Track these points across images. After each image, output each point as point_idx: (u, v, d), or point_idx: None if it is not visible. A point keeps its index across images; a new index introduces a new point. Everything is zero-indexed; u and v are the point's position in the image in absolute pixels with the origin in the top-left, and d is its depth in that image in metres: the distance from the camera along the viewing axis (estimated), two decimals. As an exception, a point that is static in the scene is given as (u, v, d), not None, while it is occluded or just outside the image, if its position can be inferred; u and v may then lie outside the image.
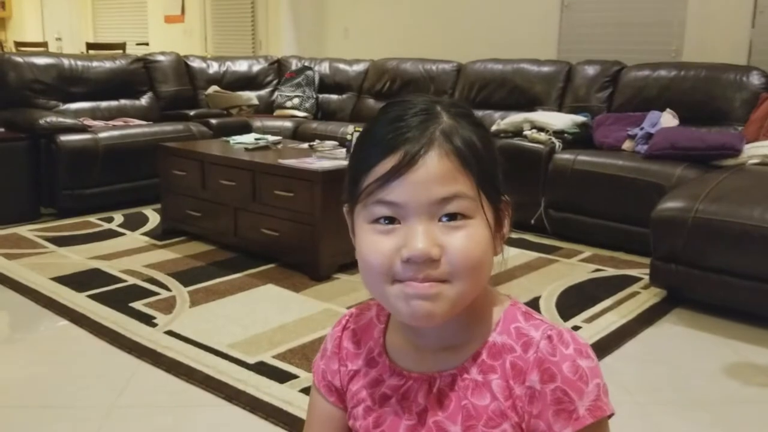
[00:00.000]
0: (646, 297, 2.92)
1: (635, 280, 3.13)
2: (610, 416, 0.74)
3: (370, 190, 0.71)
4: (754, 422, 2.00)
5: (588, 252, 3.56)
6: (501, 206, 0.76)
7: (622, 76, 4.27)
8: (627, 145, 3.83)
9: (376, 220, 0.72)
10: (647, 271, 2.91)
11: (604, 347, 2.43)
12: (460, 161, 0.70)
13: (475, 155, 0.72)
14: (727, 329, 2.62)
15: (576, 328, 2.59)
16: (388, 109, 0.75)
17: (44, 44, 8.72)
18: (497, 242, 0.76)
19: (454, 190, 0.70)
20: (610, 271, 3.26)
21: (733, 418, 2.02)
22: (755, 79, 3.82)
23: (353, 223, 0.76)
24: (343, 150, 3.42)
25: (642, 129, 3.81)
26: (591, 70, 4.38)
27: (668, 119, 3.84)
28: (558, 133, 3.90)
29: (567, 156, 3.73)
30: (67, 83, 4.78)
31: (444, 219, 0.70)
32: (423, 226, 0.69)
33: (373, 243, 0.71)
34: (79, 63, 4.90)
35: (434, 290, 0.70)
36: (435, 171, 0.69)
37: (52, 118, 4.21)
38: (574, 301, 2.88)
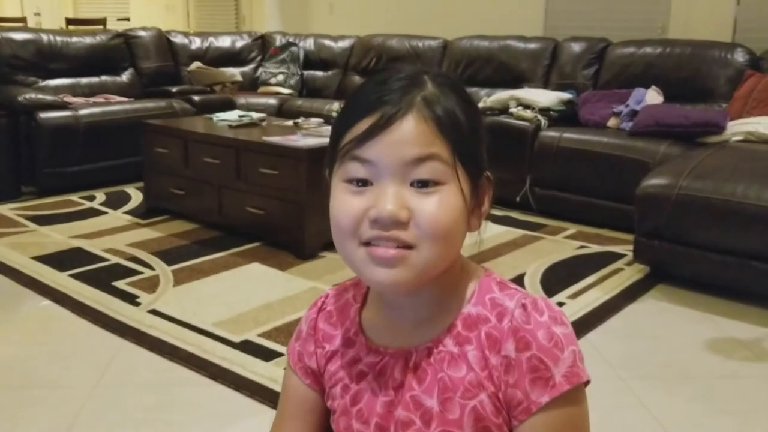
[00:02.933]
0: (630, 273, 2.94)
1: (619, 256, 3.15)
2: (586, 383, 0.74)
3: (346, 148, 0.71)
4: (736, 396, 2.03)
5: (573, 229, 3.58)
6: (481, 182, 0.75)
7: (608, 53, 4.26)
8: (612, 122, 3.84)
9: (350, 181, 0.72)
10: (631, 247, 2.92)
11: (588, 323, 2.45)
12: (437, 127, 0.70)
13: (454, 124, 0.71)
14: (709, 305, 2.65)
15: (560, 304, 2.60)
16: (377, 74, 0.76)
17: (23, 19, 8.54)
18: (475, 218, 0.75)
19: (428, 151, 0.70)
20: (595, 248, 3.28)
21: (716, 392, 2.04)
22: (740, 57, 3.83)
23: (330, 185, 0.76)
24: (329, 127, 3.39)
25: (627, 106, 3.81)
26: (577, 47, 4.37)
27: (653, 96, 3.84)
28: (544, 111, 3.89)
29: (552, 133, 3.73)
30: (47, 59, 4.70)
31: (417, 185, 0.70)
32: (394, 188, 0.70)
33: (344, 202, 0.72)
34: (59, 38, 4.82)
35: (399, 256, 0.70)
36: (410, 133, 0.70)
37: (32, 95, 4.14)
38: (559, 277, 2.89)
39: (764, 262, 2.52)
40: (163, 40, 5.37)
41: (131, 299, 2.60)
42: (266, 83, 5.54)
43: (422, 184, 0.70)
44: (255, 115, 3.92)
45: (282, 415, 0.89)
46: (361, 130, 0.70)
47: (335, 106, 3.33)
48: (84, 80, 4.85)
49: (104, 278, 2.80)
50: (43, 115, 4.03)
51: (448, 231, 0.71)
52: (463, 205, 0.72)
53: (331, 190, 0.75)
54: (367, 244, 0.71)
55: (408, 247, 0.70)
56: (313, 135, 3.32)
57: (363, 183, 0.71)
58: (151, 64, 5.22)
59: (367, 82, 0.76)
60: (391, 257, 0.70)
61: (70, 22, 7.84)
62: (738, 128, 3.39)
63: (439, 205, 0.70)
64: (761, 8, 4.25)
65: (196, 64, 5.37)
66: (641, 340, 2.38)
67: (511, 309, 0.74)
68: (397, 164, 0.70)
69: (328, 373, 0.84)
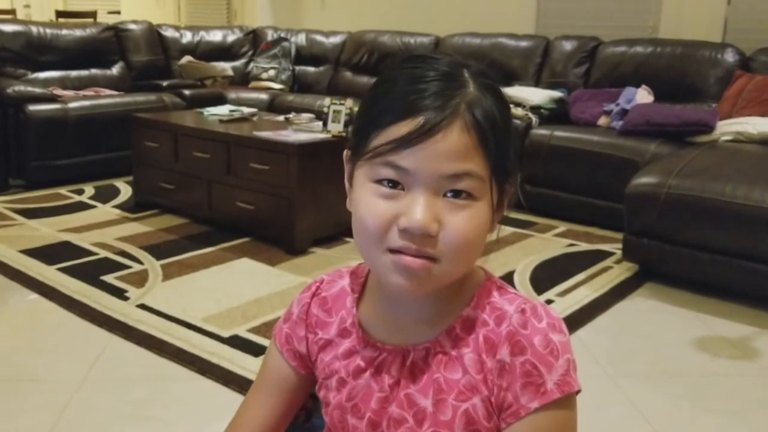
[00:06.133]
0: (619, 271, 2.95)
1: (608, 254, 3.16)
2: (577, 393, 0.73)
3: (379, 151, 0.68)
4: (723, 394, 2.04)
5: (562, 227, 3.59)
6: (506, 187, 0.74)
7: (599, 52, 4.27)
8: (602, 121, 3.85)
9: (380, 181, 0.69)
10: (620, 245, 2.94)
11: (576, 321, 2.46)
12: (479, 138, 0.68)
13: (494, 133, 0.69)
14: (697, 303, 2.66)
15: (549, 301, 2.61)
16: (409, 64, 0.71)
17: (12, 11, 8.46)
18: (494, 221, 0.74)
19: (466, 168, 0.67)
20: (584, 246, 3.29)
21: (703, 390, 2.06)
22: (730, 57, 3.85)
23: (352, 172, 0.74)
24: (320, 123, 3.38)
25: (617, 105, 3.82)
26: (568, 46, 4.38)
27: (643, 95, 3.85)
28: (535, 109, 3.91)
29: (543, 131, 3.73)
30: (36, 52, 4.66)
31: (449, 194, 0.68)
32: (426, 199, 0.67)
33: (373, 205, 0.69)
34: (49, 31, 4.78)
35: (425, 267, 0.69)
36: (453, 145, 0.67)
37: (21, 87, 4.11)
38: (548, 275, 2.90)
39: (752, 261, 2.54)
40: (153, 33, 5.33)
41: (120, 293, 2.59)
42: (257, 78, 5.52)
43: (455, 194, 0.68)
44: (246, 109, 3.90)
45: (258, 388, 0.88)
46: (398, 135, 0.67)
47: (327, 101, 3.31)
48: (74, 73, 4.81)
49: (92, 272, 2.79)
50: (32, 107, 4.00)
51: (473, 246, 0.70)
52: (490, 218, 0.72)
53: (354, 185, 0.73)
54: (393, 251, 0.69)
55: (432, 258, 0.69)
56: (304, 130, 3.31)
57: (394, 185, 0.69)
58: (142, 57, 5.19)
59: (398, 74, 0.71)
60: (417, 267, 0.68)
61: (60, 14, 7.78)
62: (727, 128, 3.41)
63: (468, 222, 0.68)
64: (751, 8, 4.27)
65: (186, 58, 5.34)
66: (629, 338, 2.40)
67: (509, 314, 0.74)
68: (434, 176, 0.67)
69: (321, 362, 0.83)
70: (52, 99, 4.18)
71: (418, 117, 0.66)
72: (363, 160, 0.70)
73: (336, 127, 3.17)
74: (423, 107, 0.67)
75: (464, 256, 0.70)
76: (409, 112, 0.67)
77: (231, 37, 5.76)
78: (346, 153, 0.76)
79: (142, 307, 2.48)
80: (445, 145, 0.66)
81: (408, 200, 0.68)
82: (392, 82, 0.70)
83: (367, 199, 0.70)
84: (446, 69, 0.70)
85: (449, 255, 0.69)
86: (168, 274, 2.80)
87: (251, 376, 2.01)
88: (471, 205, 0.69)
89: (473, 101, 0.68)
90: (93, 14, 7.69)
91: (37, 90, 4.19)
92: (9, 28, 4.62)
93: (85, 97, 4.43)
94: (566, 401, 0.72)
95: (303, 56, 5.63)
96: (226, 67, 5.48)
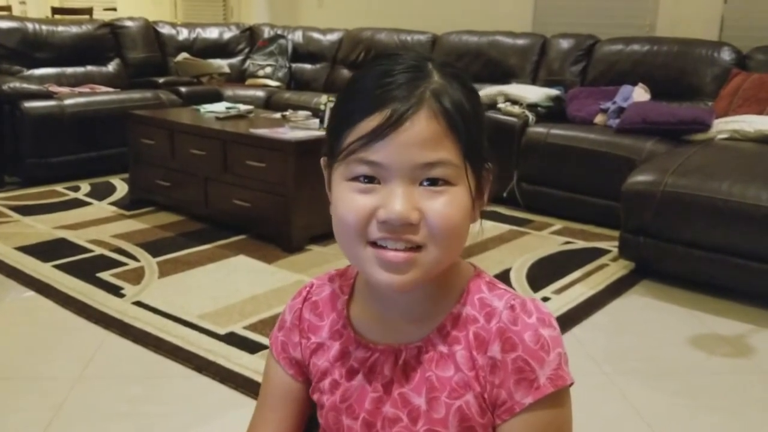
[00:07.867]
0: (615, 269, 2.96)
1: (604, 252, 3.16)
2: (569, 385, 0.73)
3: (352, 148, 0.68)
4: (719, 391, 2.05)
5: (559, 225, 3.59)
6: (483, 174, 0.74)
7: (596, 50, 4.28)
8: (599, 119, 3.85)
9: (355, 178, 0.69)
10: (616, 243, 2.94)
11: (573, 318, 2.46)
12: (447, 124, 0.68)
13: (463, 118, 0.69)
14: (693, 301, 2.67)
15: (546, 299, 2.61)
16: (377, 62, 0.72)
17: (8, 8, 8.43)
18: (476, 210, 0.74)
19: (439, 156, 0.67)
20: (580, 244, 3.29)
21: (698, 388, 2.06)
22: (726, 55, 3.86)
23: (330, 177, 0.74)
24: (317, 120, 3.38)
25: (614, 103, 3.83)
26: (565, 44, 4.38)
27: (640, 94, 3.86)
28: (531, 107, 3.91)
29: (540, 129, 3.74)
30: (32, 48, 4.65)
31: (425, 183, 0.68)
32: (403, 189, 0.67)
33: (350, 201, 0.69)
34: (44, 27, 4.77)
35: (409, 259, 0.68)
36: (422, 133, 0.67)
37: (16, 84, 4.09)
38: (544, 272, 2.91)
39: (748, 259, 2.54)
40: (150, 30, 5.32)
41: (116, 291, 2.59)
42: (254, 75, 5.51)
43: (432, 182, 0.68)
44: (242, 107, 3.90)
45: (263, 404, 0.88)
46: (368, 130, 0.67)
47: (323, 99, 3.31)
48: (69, 70, 4.80)
49: (88, 269, 2.78)
50: (28, 104, 3.99)
51: (458, 230, 0.70)
52: (470, 203, 0.71)
53: (332, 187, 0.73)
54: (374, 243, 0.69)
55: (416, 247, 0.68)
56: (300, 128, 3.31)
57: (370, 180, 0.68)
58: (138, 54, 5.18)
59: (366, 72, 0.71)
60: (401, 261, 0.68)
61: (55, 11, 7.75)
62: (724, 126, 3.42)
63: (449, 206, 0.68)
64: (748, 7, 4.27)
65: (183, 55, 5.33)
66: (625, 336, 2.40)
67: (499, 310, 0.74)
68: (407, 166, 0.67)
69: (314, 366, 0.82)
70: (48, 96, 4.16)
71: (386, 109, 0.67)
72: (338, 161, 0.70)
73: (333, 125, 3.16)
74: (390, 99, 0.67)
75: (449, 241, 0.70)
76: (377, 105, 0.67)
77: (227, 35, 5.76)
78: (323, 160, 0.76)
79: (139, 304, 2.48)
80: (414, 134, 0.66)
81: (385, 192, 0.68)
82: (360, 81, 0.71)
83: (344, 197, 0.70)
84: (412, 62, 0.70)
85: (434, 240, 0.68)
86: (164, 271, 2.80)
87: (247, 374, 2.01)
88: (449, 190, 0.69)
89: (438, 89, 0.68)
90: (89, 11, 7.66)
91: (33, 87, 4.17)
92: (4, 24, 4.61)
93: (81, 94, 4.41)
94: (560, 395, 0.72)
95: (300, 54, 5.62)
96: (222, 64, 5.47)
